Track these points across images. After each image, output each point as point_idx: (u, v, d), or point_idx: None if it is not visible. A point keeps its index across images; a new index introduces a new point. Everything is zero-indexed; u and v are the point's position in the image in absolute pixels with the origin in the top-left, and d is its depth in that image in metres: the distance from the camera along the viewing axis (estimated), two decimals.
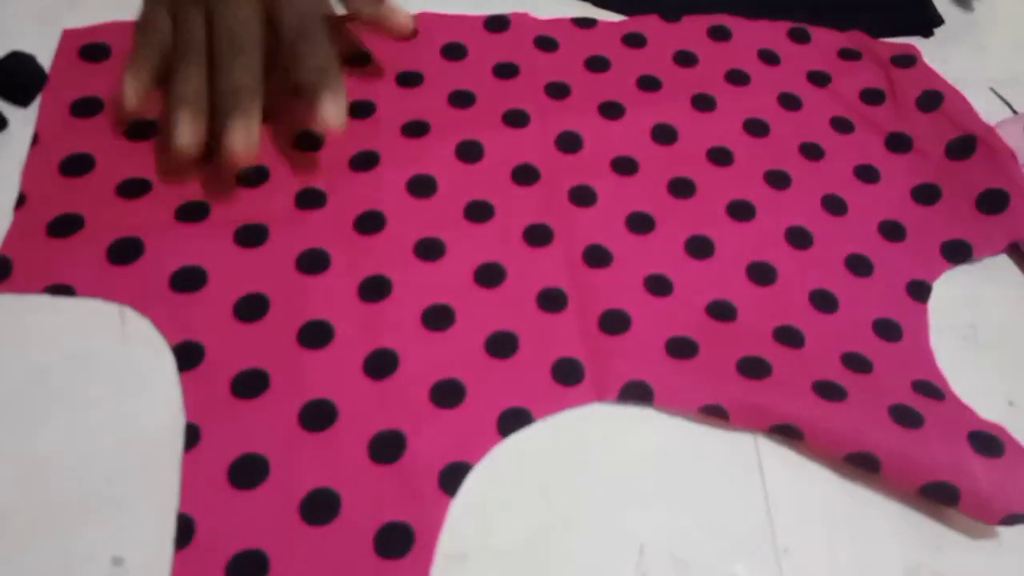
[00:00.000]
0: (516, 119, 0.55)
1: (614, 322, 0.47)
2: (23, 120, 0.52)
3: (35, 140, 0.51)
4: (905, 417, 0.43)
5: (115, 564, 0.39)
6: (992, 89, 0.62)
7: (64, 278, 0.46)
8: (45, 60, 0.55)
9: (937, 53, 0.64)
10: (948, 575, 0.42)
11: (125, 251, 0.47)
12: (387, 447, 0.42)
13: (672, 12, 0.63)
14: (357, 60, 0.57)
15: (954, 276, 0.53)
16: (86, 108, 0.53)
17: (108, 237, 0.47)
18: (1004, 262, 0.54)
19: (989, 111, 0.60)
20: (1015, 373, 0.49)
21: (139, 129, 0.52)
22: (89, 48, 0.56)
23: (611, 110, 0.57)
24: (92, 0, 0.59)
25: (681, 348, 0.46)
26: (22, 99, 0.53)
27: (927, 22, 0.67)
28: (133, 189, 0.50)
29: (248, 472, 0.41)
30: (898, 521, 0.43)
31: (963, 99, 0.58)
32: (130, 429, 0.42)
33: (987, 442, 0.43)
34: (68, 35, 0.56)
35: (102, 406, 0.43)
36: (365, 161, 0.52)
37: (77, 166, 0.50)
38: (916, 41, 0.64)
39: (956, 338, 0.50)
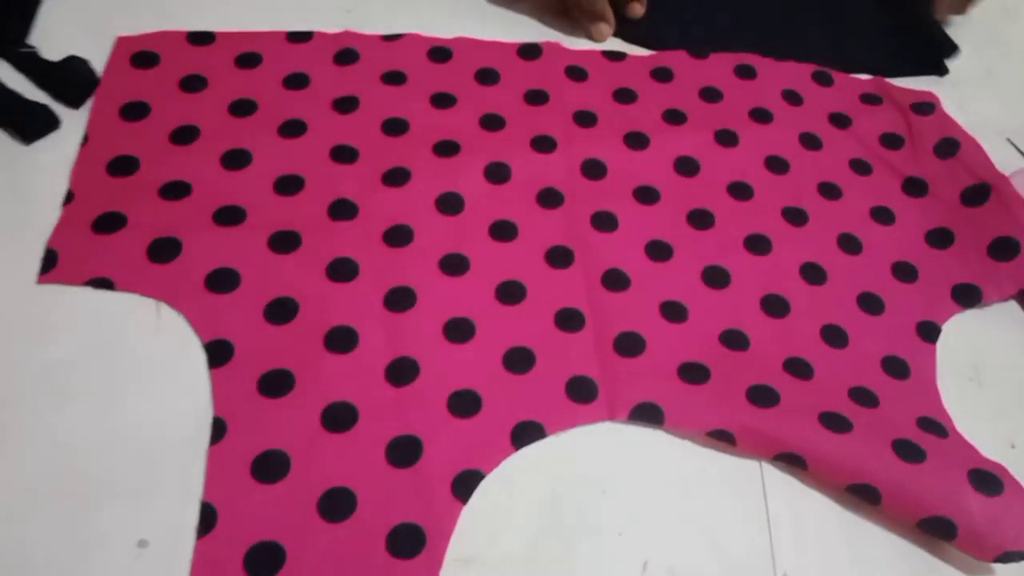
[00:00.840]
0: (544, 144, 0.57)
1: (629, 344, 0.49)
2: (75, 120, 0.55)
3: (85, 140, 0.54)
4: (908, 452, 0.45)
5: (140, 546, 0.40)
6: (1009, 139, 0.64)
7: (105, 272, 0.48)
8: (99, 65, 0.58)
9: (955, 100, 0.65)
10: None
11: (164, 250, 0.49)
12: (404, 451, 0.44)
13: (698, 48, 0.65)
14: (393, 79, 0.59)
15: (961, 318, 0.54)
16: (134, 112, 0.55)
17: (149, 235, 0.50)
18: (1011, 306, 0.55)
19: (1005, 160, 0.61)
20: (1018, 415, 0.51)
21: (183, 133, 0.55)
22: (140, 55, 0.58)
23: (636, 140, 0.59)
24: (143, 9, 0.62)
25: (693, 373, 0.48)
26: (75, 101, 0.55)
27: (939, 60, 0.69)
28: (174, 191, 0.52)
29: (270, 467, 0.43)
30: (896, 553, 0.45)
31: (979, 147, 0.60)
32: (160, 419, 0.44)
33: (987, 479, 0.44)
34: (122, 42, 0.59)
35: (134, 395, 0.45)
36: (397, 176, 0.54)
37: (123, 166, 0.53)
38: (934, 85, 0.66)
39: (962, 379, 0.52)
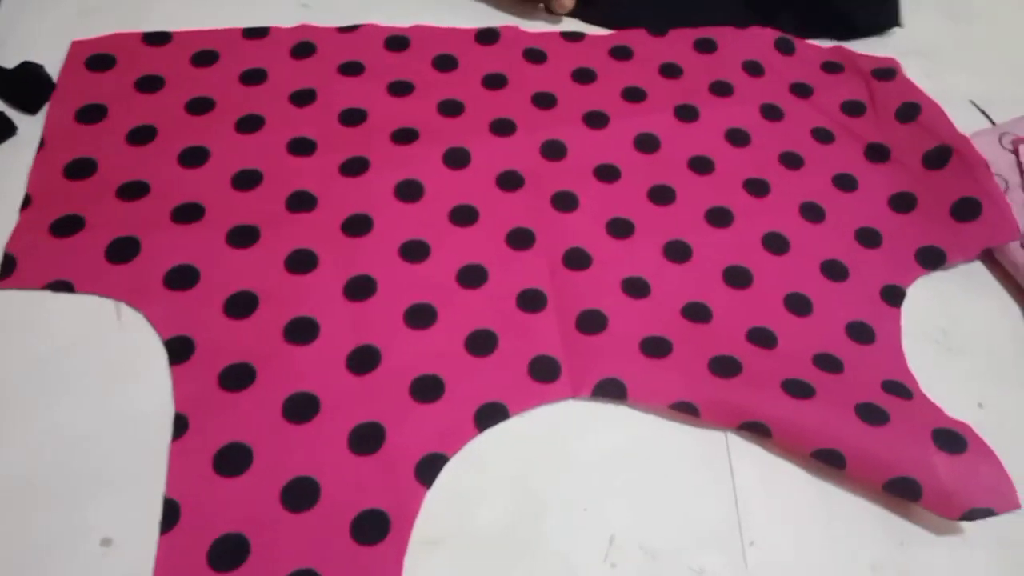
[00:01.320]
0: (503, 128, 0.57)
1: (591, 322, 0.49)
2: (32, 126, 0.55)
3: (42, 145, 0.54)
4: (871, 415, 0.45)
5: (104, 544, 0.41)
6: (972, 102, 0.64)
7: (64, 275, 0.48)
8: (56, 70, 0.58)
9: (923, 69, 0.65)
10: (913, 570, 0.43)
11: (123, 250, 0.49)
12: (367, 438, 0.44)
13: (656, 26, 0.65)
14: (350, 70, 0.59)
15: (929, 282, 0.54)
16: (91, 115, 0.55)
17: (107, 237, 0.50)
18: (978, 268, 0.55)
19: (970, 125, 0.61)
20: (985, 376, 0.51)
21: (140, 134, 0.55)
22: (96, 58, 0.58)
23: (596, 120, 0.58)
24: (103, 14, 0.62)
25: (655, 347, 0.48)
26: (31, 107, 0.55)
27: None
28: (132, 191, 0.52)
29: (233, 460, 0.43)
30: (864, 517, 0.45)
31: (940, 110, 0.59)
32: (122, 418, 0.44)
33: (951, 439, 0.44)
34: (77, 46, 0.59)
35: (96, 396, 0.45)
36: (355, 166, 0.54)
37: (80, 169, 0.53)
38: (902, 55, 0.65)
39: (929, 342, 0.52)
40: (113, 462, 0.43)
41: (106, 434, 0.44)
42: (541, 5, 0.65)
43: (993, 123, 0.62)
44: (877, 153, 0.59)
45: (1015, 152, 0.57)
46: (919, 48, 0.67)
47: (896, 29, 0.69)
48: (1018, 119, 0.60)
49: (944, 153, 0.57)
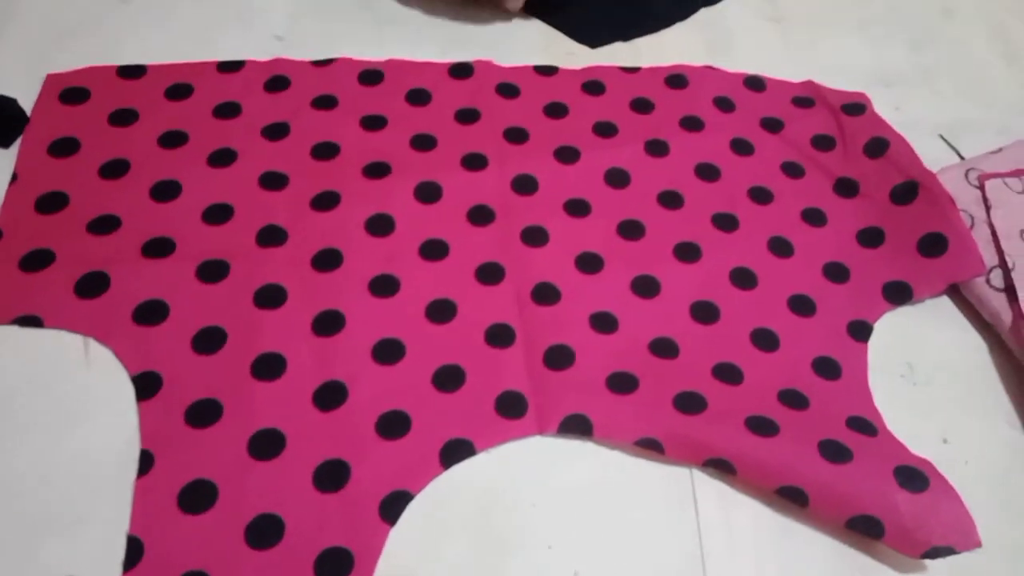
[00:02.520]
0: (475, 162, 0.58)
1: (558, 357, 0.49)
2: (4, 159, 0.55)
3: (14, 178, 0.54)
4: (834, 452, 0.45)
5: None
6: (941, 136, 0.64)
7: (33, 309, 0.48)
8: (30, 103, 0.58)
9: (890, 102, 0.66)
10: None
11: (92, 285, 0.49)
12: (331, 475, 0.44)
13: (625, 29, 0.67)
14: (324, 103, 0.60)
15: (895, 316, 0.54)
16: (64, 148, 0.56)
17: (77, 271, 0.50)
18: (944, 303, 0.56)
19: (940, 157, 0.62)
20: (951, 410, 0.51)
21: (112, 168, 0.55)
22: (70, 91, 0.59)
23: (567, 154, 0.59)
24: (78, 46, 0.62)
25: (621, 383, 0.48)
26: (4, 140, 0.56)
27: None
28: (103, 225, 0.52)
29: (197, 497, 0.43)
30: (828, 554, 0.45)
31: (907, 146, 0.60)
32: (89, 454, 0.44)
33: (913, 477, 0.44)
34: (51, 79, 0.59)
35: (62, 432, 0.45)
36: (326, 200, 0.55)
37: (52, 203, 0.53)
38: (871, 88, 0.66)
39: (895, 376, 0.52)
40: (78, 499, 0.43)
41: (70, 470, 0.44)
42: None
43: (962, 157, 0.62)
44: (846, 188, 0.59)
45: (981, 188, 0.57)
46: (887, 79, 0.68)
47: (867, 60, 0.70)
48: (984, 155, 0.60)
49: (911, 188, 0.57)
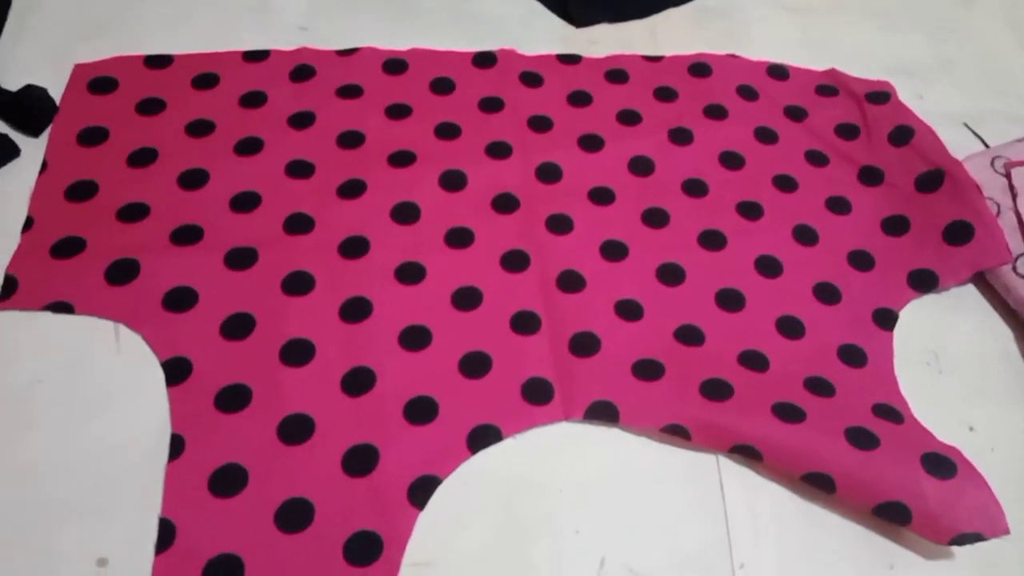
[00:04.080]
0: (499, 151, 0.58)
1: (584, 344, 0.49)
2: (35, 148, 0.56)
3: (44, 167, 0.55)
4: (861, 439, 0.45)
5: (100, 565, 0.41)
6: (965, 124, 0.64)
7: (65, 296, 0.49)
8: (58, 92, 0.58)
9: (914, 90, 0.66)
10: None
11: (122, 272, 0.50)
12: (360, 460, 0.44)
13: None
14: (348, 93, 0.60)
15: (920, 304, 0.54)
16: (92, 137, 0.56)
17: (107, 258, 0.50)
18: (969, 291, 0.55)
19: (964, 144, 0.62)
20: (976, 399, 0.51)
21: (140, 156, 0.55)
22: (98, 81, 0.59)
23: (591, 143, 0.59)
24: (104, 36, 0.63)
25: (648, 370, 0.48)
26: (34, 129, 0.56)
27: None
28: (133, 213, 0.53)
29: (228, 481, 0.43)
30: (853, 540, 0.45)
31: (933, 134, 0.60)
32: (119, 438, 0.45)
33: (940, 463, 0.44)
34: (79, 69, 0.60)
35: (94, 416, 0.46)
36: (353, 189, 0.55)
37: (81, 192, 0.53)
38: (893, 76, 0.66)
39: (920, 364, 0.52)
40: (109, 482, 0.44)
41: (102, 455, 0.44)
42: None
43: (987, 145, 0.62)
44: (870, 176, 0.59)
45: (1007, 175, 0.57)
46: (908, 68, 0.68)
47: (886, 49, 0.69)
48: (1010, 142, 0.60)
49: (937, 176, 0.57)
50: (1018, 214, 0.55)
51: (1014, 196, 0.56)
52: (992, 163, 0.58)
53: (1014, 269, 0.53)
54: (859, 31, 0.72)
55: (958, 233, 0.55)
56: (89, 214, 0.53)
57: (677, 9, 0.71)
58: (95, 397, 0.46)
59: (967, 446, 0.46)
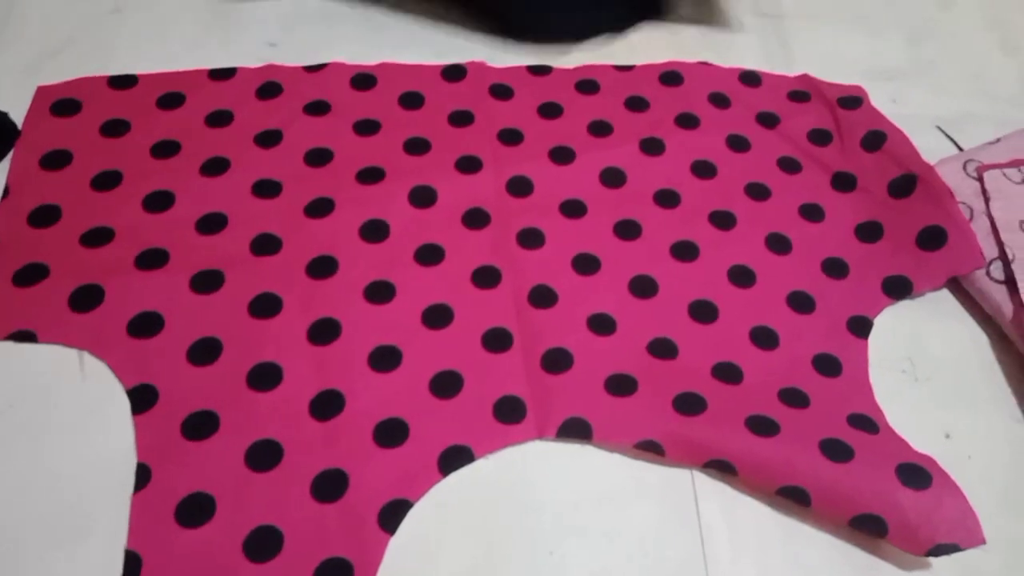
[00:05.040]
0: (469, 165, 0.57)
1: (557, 360, 0.49)
2: None
3: (5, 193, 0.54)
4: (836, 451, 0.44)
5: None
6: (939, 127, 0.64)
7: (27, 324, 0.48)
8: (20, 115, 0.58)
9: (889, 94, 0.65)
10: None
11: (86, 298, 0.49)
12: (330, 486, 0.44)
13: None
14: (316, 109, 0.60)
15: (895, 311, 0.54)
16: (56, 161, 0.55)
17: (71, 285, 0.50)
18: (944, 296, 0.55)
19: (939, 148, 0.61)
20: (953, 405, 0.50)
21: (105, 179, 0.55)
22: (61, 103, 0.58)
23: (562, 155, 0.59)
24: (68, 58, 0.62)
25: (621, 385, 0.48)
26: None
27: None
28: (97, 238, 0.52)
29: (195, 510, 0.42)
30: (831, 553, 0.44)
31: (905, 138, 0.60)
32: (86, 470, 0.44)
33: (915, 474, 0.44)
34: (42, 91, 0.59)
35: (58, 447, 0.45)
36: (321, 207, 0.54)
37: (44, 217, 0.53)
38: (867, 81, 0.66)
39: (895, 372, 0.52)
40: (74, 514, 0.43)
41: (67, 486, 0.44)
42: None
43: (960, 148, 0.62)
44: (844, 182, 0.59)
45: (979, 179, 0.57)
46: (884, 72, 0.68)
47: (861, 52, 0.69)
48: (983, 145, 0.60)
49: (909, 181, 0.57)
50: (991, 218, 0.55)
51: (987, 200, 0.56)
52: (964, 167, 0.58)
53: (988, 274, 0.53)
54: (835, 35, 0.71)
55: (931, 239, 0.54)
56: (52, 240, 0.52)
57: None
58: (59, 427, 0.46)
59: (944, 454, 0.46)
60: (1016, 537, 0.45)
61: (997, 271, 0.53)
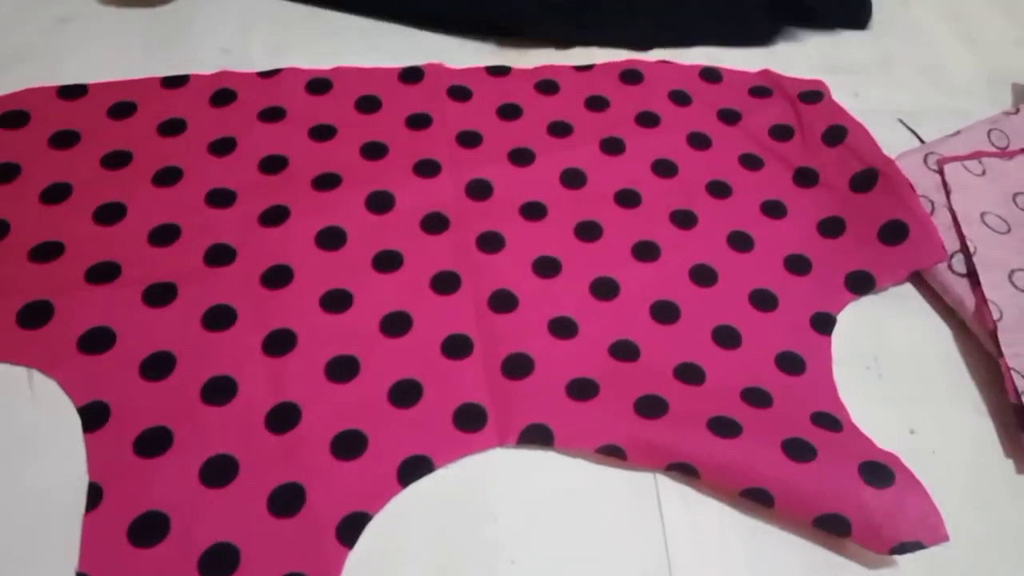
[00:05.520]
0: (427, 168, 0.57)
1: (517, 366, 0.48)
2: None
3: None
4: (798, 451, 0.44)
5: None
6: (900, 120, 0.64)
7: None
8: None
9: (850, 89, 0.65)
10: None
11: (35, 315, 0.48)
12: (286, 500, 0.43)
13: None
14: (271, 115, 0.59)
15: (858, 306, 0.54)
16: (3, 174, 0.54)
17: (19, 301, 0.48)
18: (907, 291, 0.55)
19: (901, 142, 0.61)
20: (917, 401, 0.50)
21: (54, 192, 0.54)
22: (9, 115, 0.57)
23: (521, 157, 0.58)
24: (15, 68, 0.61)
25: (582, 390, 0.47)
26: None
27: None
28: (45, 253, 0.51)
29: (148, 530, 0.42)
30: (796, 553, 0.44)
31: (866, 132, 0.59)
32: (35, 492, 0.43)
33: (878, 472, 0.43)
34: None
35: (7, 470, 0.44)
36: (275, 216, 0.53)
37: None
38: (827, 75, 0.65)
39: (859, 368, 0.51)
40: (24, 536, 0.42)
41: (17, 509, 0.43)
42: None
43: (923, 141, 0.62)
44: (805, 177, 0.59)
45: (940, 172, 0.57)
46: (844, 66, 0.68)
47: (822, 47, 0.69)
48: (943, 138, 0.60)
49: (870, 176, 0.57)
50: (952, 211, 0.55)
51: (948, 193, 0.56)
52: (925, 160, 0.58)
53: (950, 267, 0.53)
54: (796, 30, 0.71)
55: (893, 233, 0.54)
56: (0, 256, 0.51)
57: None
58: (9, 449, 0.44)
59: (909, 449, 0.45)
60: (981, 531, 0.45)
61: (959, 264, 0.53)
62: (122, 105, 0.59)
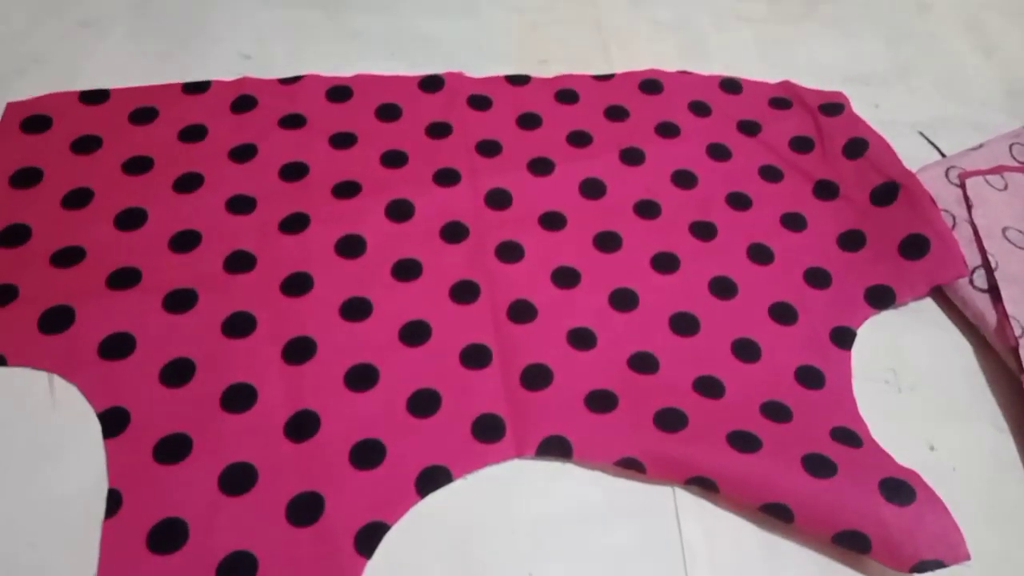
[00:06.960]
0: (447, 177, 0.57)
1: (536, 377, 0.48)
2: None
3: None
4: (818, 466, 0.44)
5: None
6: (921, 133, 0.63)
7: None
8: None
9: (870, 99, 0.65)
10: None
11: (56, 320, 0.48)
12: (305, 509, 0.43)
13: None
14: (291, 122, 0.59)
15: (878, 321, 0.53)
16: (26, 179, 0.55)
17: (40, 306, 0.49)
18: (928, 305, 0.55)
19: (921, 154, 0.61)
20: (937, 416, 0.50)
21: (76, 197, 0.54)
22: (31, 120, 0.57)
23: (541, 166, 0.58)
24: (38, 73, 0.61)
25: (601, 401, 0.47)
26: None
27: None
28: (67, 258, 0.51)
29: (167, 537, 0.42)
30: (814, 570, 0.44)
31: (887, 145, 0.59)
32: (55, 497, 0.43)
33: (899, 489, 0.43)
34: (11, 108, 0.58)
35: (28, 474, 0.44)
36: (295, 223, 0.53)
37: (13, 237, 0.52)
38: (847, 86, 0.65)
39: (879, 383, 0.51)
40: (44, 541, 0.42)
41: (37, 514, 0.43)
42: None
43: (943, 154, 0.62)
44: (826, 190, 0.58)
45: (961, 186, 0.56)
46: (864, 77, 0.67)
47: (842, 58, 0.69)
48: (965, 152, 0.59)
49: (891, 189, 0.56)
50: (973, 226, 0.55)
51: (969, 208, 0.55)
52: (946, 174, 0.57)
53: (971, 282, 0.53)
54: (815, 41, 0.71)
55: (914, 247, 0.54)
56: (22, 260, 0.51)
57: (629, 24, 0.70)
58: (30, 454, 0.45)
59: (928, 466, 0.45)
60: (1001, 550, 0.45)
61: (980, 279, 0.53)
62: (143, 110, 0.59)
